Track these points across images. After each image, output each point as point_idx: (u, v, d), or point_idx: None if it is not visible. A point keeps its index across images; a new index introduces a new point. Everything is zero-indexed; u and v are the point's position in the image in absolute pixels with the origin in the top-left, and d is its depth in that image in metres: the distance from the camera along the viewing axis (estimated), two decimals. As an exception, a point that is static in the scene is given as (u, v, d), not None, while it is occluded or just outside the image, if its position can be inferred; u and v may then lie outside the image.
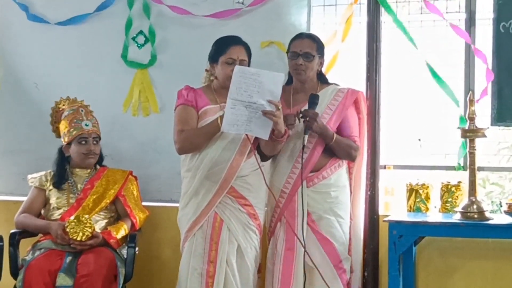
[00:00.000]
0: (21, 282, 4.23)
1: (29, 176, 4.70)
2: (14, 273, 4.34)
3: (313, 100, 4.17)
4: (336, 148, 4.25)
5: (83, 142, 4.58)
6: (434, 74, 4.56)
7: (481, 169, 4.60)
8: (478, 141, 4.34)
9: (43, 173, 4.67)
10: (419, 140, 4.85)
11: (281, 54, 4.64)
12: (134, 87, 5.02)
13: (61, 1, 5.13)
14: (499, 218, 4.31)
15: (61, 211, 4.54)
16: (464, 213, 4.27)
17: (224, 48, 4.19)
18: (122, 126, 5.02)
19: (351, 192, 4.42)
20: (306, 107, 4.19)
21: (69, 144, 4.60)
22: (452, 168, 4.69)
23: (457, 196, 4.49)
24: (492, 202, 4.91)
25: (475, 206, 4.26)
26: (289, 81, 4.34)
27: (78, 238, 4.32)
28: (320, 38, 4.41)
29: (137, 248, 4.48)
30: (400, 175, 4.78)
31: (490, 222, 4.22)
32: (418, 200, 4.57)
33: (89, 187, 4.57)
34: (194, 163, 4.19)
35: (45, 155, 4.85)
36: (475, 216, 4.24)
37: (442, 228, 4.29)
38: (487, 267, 4.56)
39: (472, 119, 4.30)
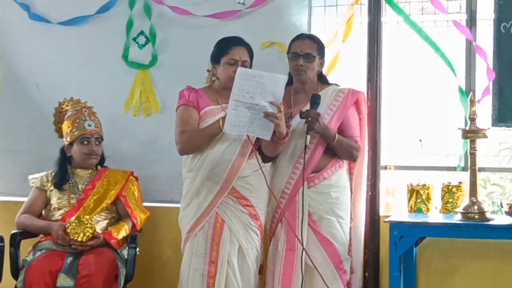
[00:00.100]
0: (22, 282, 4.23)
1: (30, 177, 4.70)
2: (15, 274, 4.33)
3: (315, 100, 4.17)
4: (337, 149, 4.25)
5: (85, 142, 4.58)
6: (434, 45, 4.56)
7: (482, 169, 4.61)
8: (479, 142, 4.33)
9: (44, 173, 4.67)
10: (420, 140, 4.85)
11: (282, 54, 4.65)
12: (135, 88, 5.02)
13: (63, 1, 5.13)
14: (500, 219, 4.31)
15: (62, 211, 4.54)
16: (465, 214, 4.27)
17: (226, 48, 4.20)
18: (123, 126, 5.02)
19: (351, 193, 4.42)
20: (306, 107, 4.19)
21: (71, 144, 4.60)
22: (453, 168, 4.70)
23: (458, 197, 4.49)
24: (493, 202, 4.91)
25: (476, 207, 4.26)
26: (290, 82, 4.33)
27: (79, 239, 4.32)
28: (321, 38, 4.41)
29: (138, 249, 4.48)
30: (401, 175, 4.79)
31: (491, 222, 4.22)
32: (419, 200, 4.58)
33: (90, 188, 4.58)
34: (196, 163, 4.19)
35: (46, 156, 4.85)
36: (476, 216, 4.24)
37: (443, 229, 4.29)
38: (488, 268, 4.56)
39: (473, 120, 4.30)
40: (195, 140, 4.16)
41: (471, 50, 4.64)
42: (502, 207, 4.66)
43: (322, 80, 4.39)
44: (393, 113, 4.81)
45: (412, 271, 4.57)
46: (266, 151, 4.22)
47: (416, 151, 4.85)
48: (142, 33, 5.01)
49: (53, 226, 4.42)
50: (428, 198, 4.58)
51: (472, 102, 4.32)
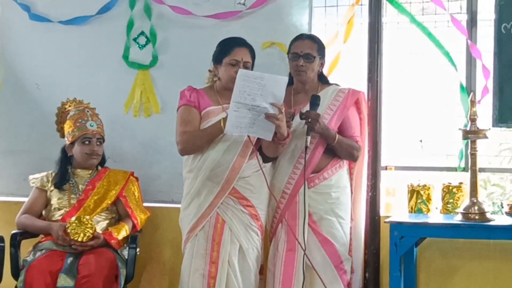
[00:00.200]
0: (22, 282, 4.23)
1: (30, 177, 4.71)
2: (15, 274, 4.34)
3: (315, 101, 4.17)
4: (338, 149, 4.25)
5: (87, 142, 4.58)
6: (435, 41, 4.57)
7: (482, 170, 4.61)
8: (479, 142, 4.33)
9: (44, 173, 4.67)
10: (420, 141, 4.85)
11: (282, 55, 4.64)
12: (135, 88, 5.02)
13: (63, 1, 5.13)
14: (500, 219, 4.31)
15: (62, 211, 4.54)
16: (465, 214, 4.26)
17: (228, 49, 4.20)
18: (123, 126, 5.02)
19: (352, 193, 4.42)
20: (306, 107, 4.19)
21: (72, 143, 4.61)
22: (453, 169, 4.70)
23: (458, 197, 4.49)
24: (493, 203, 4.90)
25: (476, 207, 4.26)
26: (290, 82, 4.33)
27: (79, 239, 4.32)
28: (321, 39, 4.41)
29: (138, 249, 4.48)
30: (401, 176, 4.79)
31: (491, 223, 4.22)
32: (419, 201, 4.57)
33: (90, 188, 4.58)
34: (196, 164, 4.19)
35: (46, 156, 4.85)
36: (476, 217, 4.24)
37: (443, 229, 4.29)
38: (488, 268, 4.56)
39: (473, 120, 4.30)
40: (196, 140, 4.16)
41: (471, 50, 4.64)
42: (502, 207, 4.67)
43: (323, 80, 4.39)
44: (393, 114, 4.80)
45: (413, 271, 4.57)
46: (267, 152, 4.22)
47: (417, 152, 4.85)
48: (142, 33, 5.01)
49: (53, 226, 4.42)
50: (429, 199, 4.58)
51: (473, 103, 4.32)
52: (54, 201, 4.57)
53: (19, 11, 5.15)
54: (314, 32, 4.69)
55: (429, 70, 4.72)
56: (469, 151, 4.38)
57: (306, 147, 4.14)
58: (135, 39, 5.02)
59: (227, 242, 4.16)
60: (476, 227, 4.21)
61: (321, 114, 4.19)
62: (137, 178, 4.75)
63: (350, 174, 4.41)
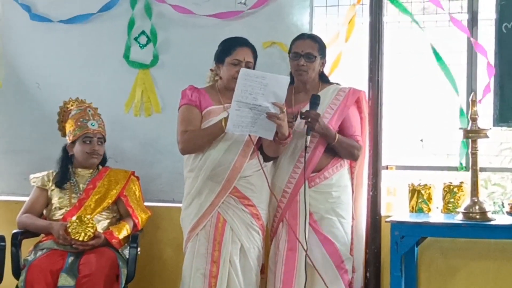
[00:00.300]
0: (23, 282, 4.22)
1: (31, 176, 4.70)
2: (16, 273, 4.33)
3: (314, 101, 4.17)
4: (338, 148, 4.25)
5: (88, 142, 4.58)
6: (438, 58, 4.57)
7: (483, 169, 4.61)
8: (480, 142, 4.33)
9: (45, 173, 4.67)
10: (421, 140, 4.85)
11: (283, 54, 4.65)
12: (136, 88, 5.02)
13: (64, 1, 5.13)
14: (501, 219, 4.31)
15: (63, 211, 4.54)
16: (466, 214, 4.26)
17: (230, 49, 4.20)
18: (124, 126, 5.02)
19: (353, 192, 4.42)
20: (307, 107, 4.19)
21: (73, 143, 4.61)
22: (454, 168, 4.70)
23: (459, 197, 4.49)
24: (494, 203, 4.90)
25: (477, 207, 4.26)
26: (291, 81, 4.33)
27: (80, 239, 4.32)
28: (323, 38, 4.41)
29: (139, 248, 4.48)
30: (402, 175, 4.79)
31: (492, 222, 4.22)
32: (420, 200, 4.58)
33: (91, 187, 4.58)
34: (197, 163, 4.19)
35: (47, 155, 4.85)
36: (477, 216, 4.24)
37: (444, 229, 4.29)
38: (489, 268, 4.57)
39: (474, 120, 4.30)
40: (197, 139, 4.16)
41: (472, 50, 4.64)
42: (503, 207, 4.67)
43: (324, 79, 4.39)
44: (394, 113, 4.81)
45: (413, 271, 4.57)
46: (267, 151, 4.22)
47: (418, 151, 4.85)
48: (143, 32, 5.01)
49: (54, 225, 4.42)
50: (429, 198, 4.58)
51: (474, 102, 4.31)
52: (55, 201, 4.57)
53: (20, 11, 5.15)
54: (315, 31, 4.70)
55: (430, 69, 4.72)
56: (470, 150, 4.37)
57: (306, 147, 4.14)
58: (136, 39, 5.02)
59: (228, 242, 4.16)
60: (477, 227, 4.21)
61: (322, 113, 4.19)
62: (138, 178, 4.75)
63: (351, 173, 4.42)
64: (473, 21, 4.63)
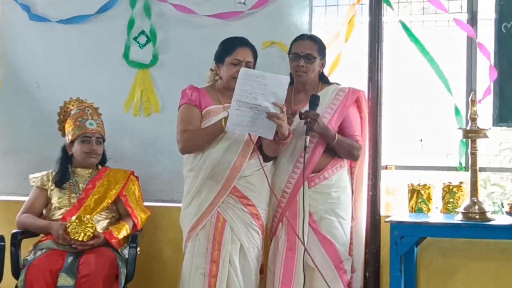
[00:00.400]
0: (23, 282, 4.22)
1: (31, 176, 4.70)
2: (16, 273, 4.33)
3: (314, 101, 4.16)
4: (338, 148, 4.25)
5: (86, 141, 4.58)
6: (429, 58, 4.57)
7: (482, 169, 4.61)
8: (479, 142, 4.33)
9: (44, 172, 4.67)
10: (421, 140, 4.85)
11: (283, 54, 4.65)
12: (135, 87, 5.02)
13: (63, 1, 5.13)
14: (501, 219, 4.31)
15: (62, 211, 4.54)
16: (465, 214, 4.27)
17: (230, 49, 4.20)
18: (124, 126, 5.02)
19: (352, 193, 4.42)
20: (307, 107, 4.19)
21: (72, 142, 4.61)
22: (454, 168, 4.70)
23: (459, 197, 4.50)
24: (493, 203, 4.90)
25: (476, 207, 4.26)
26: (290, 82, 4.33)
27: (80, 238, 4.31)
28: (322, 38, 4.41)
29: (138, 248, 4.47)
30: (401, 175, 4.79)
31: (491, 223, 4.22)
32: (419, 200, 4.58)
33: (91, 187, 4.58)
34: (197, 163, 4.19)
35: (46, 155, 4.85)
36: (477, 216, 4.24)
37: (444, 229, 4.29)
38: (489, 268, 4.57)
39: (474, 120, 4.30)
40: (197, 139, 4.16)
41: (472, 50, 4.65)
42: (502, 207, 4.67)
43: (323, 79, 4.39)
44: (394, 113, 4.81)
45: (413, 271, 4.57)
46: (267, 151, 4.22)
47: (417, 151, 4.85)
48: (143, 32, 5.01)
49: (53, 225, 4.41)
50: (429, 198, 4.58)
51: (473, 102, 4.31)
52: (54, 200, 4.57)
53: (20, 11, 5.15)
54: (314, 31, 4.70)
55: (429, 69, 4.71)
56: (469, 150, 4.38)
57: (305, 147, 4.14)
58: (135, 38, 5.02)
59: (228, 241, 4.16)
60: (476, 227, 4.22)
61: (321, 113, 4.19)
62: (137, 177, 4.75)
63: (351, 173, 4.41)
64: (472, 21, 4.63)
